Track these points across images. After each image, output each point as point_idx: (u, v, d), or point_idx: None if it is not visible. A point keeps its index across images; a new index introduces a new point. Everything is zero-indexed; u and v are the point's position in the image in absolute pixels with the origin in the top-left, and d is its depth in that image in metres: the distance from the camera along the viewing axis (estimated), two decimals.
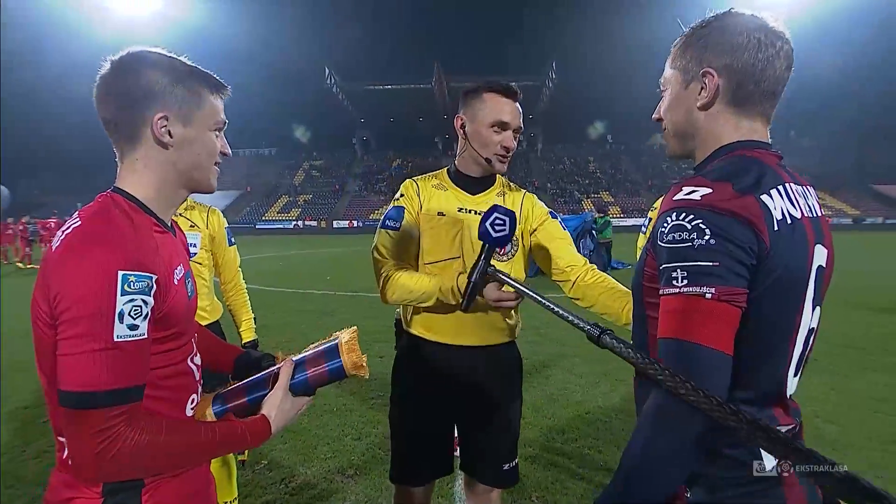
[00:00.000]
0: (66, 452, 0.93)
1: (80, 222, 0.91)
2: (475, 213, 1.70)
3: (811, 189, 1.02)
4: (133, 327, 0.85)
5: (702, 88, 0.99)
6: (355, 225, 49.93)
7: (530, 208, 1.82)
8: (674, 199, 0.88)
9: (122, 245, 0.87)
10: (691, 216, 0.84)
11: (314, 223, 50.84)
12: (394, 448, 1.86)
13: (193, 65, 1.03)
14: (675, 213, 0.86)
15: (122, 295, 0.84)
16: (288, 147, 73.37)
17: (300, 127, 73.59)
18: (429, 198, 1.75)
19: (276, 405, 1.04)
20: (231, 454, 2.44)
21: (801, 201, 0.94)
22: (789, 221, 0.88)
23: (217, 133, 1.06)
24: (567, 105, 65.98)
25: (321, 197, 58.89)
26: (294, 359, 1.11)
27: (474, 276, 1.36)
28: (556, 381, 4.64)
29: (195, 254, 2.22)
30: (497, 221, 1.35)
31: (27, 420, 3.85)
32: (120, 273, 0.84)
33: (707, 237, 0.82)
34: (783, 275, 0.86)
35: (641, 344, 1.03)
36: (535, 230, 1.79)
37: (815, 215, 0.97)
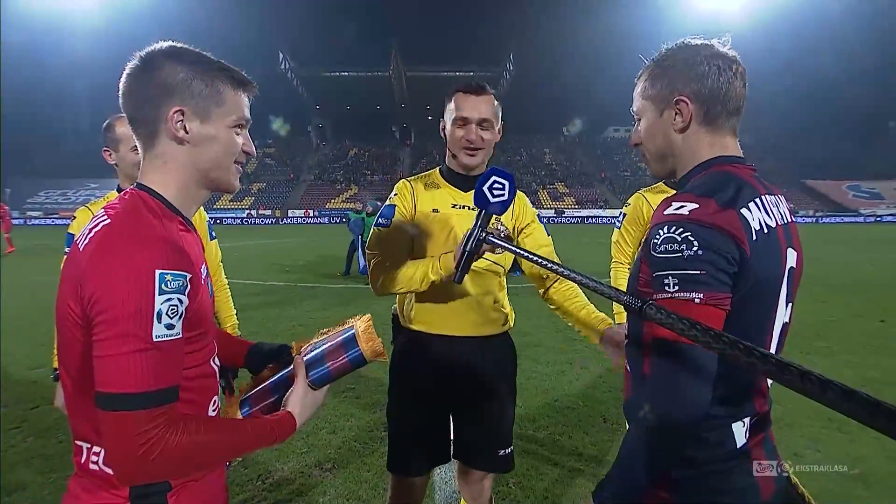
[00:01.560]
0: (84, 457, 0.92)
1: (109, 220, 0.89)
2: (468, 208, 1.76)
3: (782, 198, 1.15)
4: (170, 326, 0.84)
5: (676, 114, 1.10)
6: (311, 214, 48.84)
7: (522, 207, 1.88)
8: (665, 213, 0.98)
9: (157, 244, 0.86)
10: (681, 229, 0.94)
11: (268, 212, 49.37)
12: (393, 439, 1.91)
13: (216, 60, 1.01)
14: (666, 227, 0.96)
15: (159, 294, 0.83)
16: None
17: (253, 113, 71.03)
18: (422, 197, 1.81)
19: (299, 401, 1.05)
20: None
21: (775, 210, 1.06)
22: (766, 231, 0.99)
23: (238, 130, 1.04)
24: (524, 97, 66.80)
25: (275, 185, 57.17)
26: (311, 354, 1.11)
27: (469, 245, 1.25)
28: (524, 370, 4.75)
29: None
30: (496, 185, 1.25)
31: None
32: (157, 272, 0.83)
33: (695, 248, 0.92)
34: (761, 278, 0.97)
35: (636, 343, 1.12)
36: (523, 230, 1.86)
37: (786, 222, 1.10)
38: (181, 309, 0.87)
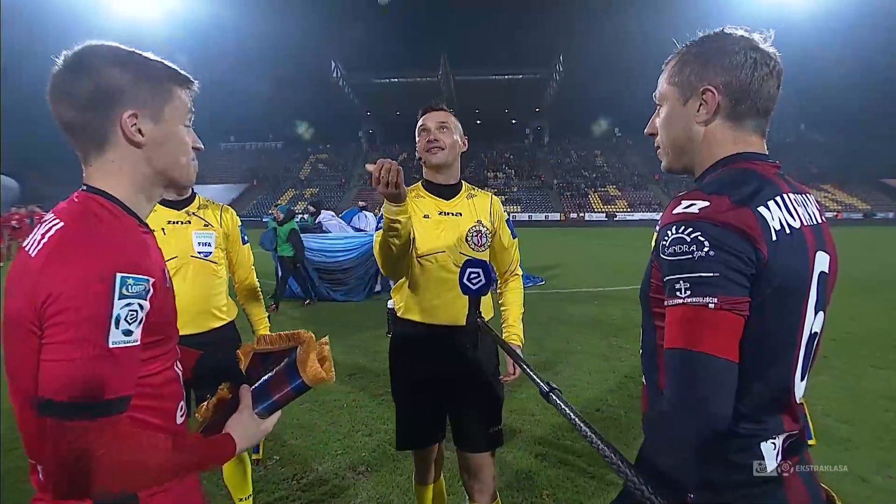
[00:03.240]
0: (41, 474, 0.85)
1: (62, 224, 0.84)
2: (452, 214, 2.02)
3: (811, 196, 1.05)
4: (128, 333, 0.80)
5: (700, 105, 1.02)
6: None
7: (498, 209, 2.11)
8: (673, 212, 0.92)
9: (118, 246, 0.82)
10: (690, 229, 0.87)
11: None
12: (397, 421, 2.13)
13: (157, 59, 0.97)
14: (674, 227, 0.89)
15: (119, 298, 0.78)
16: (294, 140, 73.58)
17: (306, 120, 73.86)
18: (415, 206, 2.01)
19: (241, 427, 1.00)
20: (245, 452, 2.46)
21: (801, 210, 0.97)
22: (788, 231, 0.91)
23: (186, 127, 1.01)
24: (574, 98, 65.63)
25: (327, 190, 58.86)
26: (257, 384, 1.10)
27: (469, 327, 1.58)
28: (564, 377, 4.65)
29: (210, 253, 2.19)
30: (472, 275, 1.50)
31: None
32: (118, 275, 0.79)
33: (706, 249, 0.85)
34: (783, 283, 0.89)
35: (650, 352, 1.06)
36: (496, 230, 2.08)
37: (815, 223, 1.00)
38: (141, 315, 0.82)
